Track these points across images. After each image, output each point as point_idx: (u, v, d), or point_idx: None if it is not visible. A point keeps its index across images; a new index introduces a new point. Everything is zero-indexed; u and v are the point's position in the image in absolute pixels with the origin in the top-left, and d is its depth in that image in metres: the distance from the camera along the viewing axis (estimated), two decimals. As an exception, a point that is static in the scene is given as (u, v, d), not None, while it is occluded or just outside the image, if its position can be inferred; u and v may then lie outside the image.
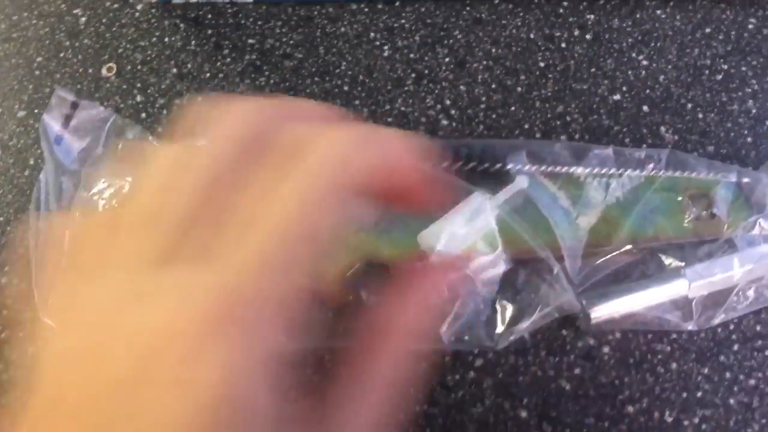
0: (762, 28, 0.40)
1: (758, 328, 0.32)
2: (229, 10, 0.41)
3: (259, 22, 0.40)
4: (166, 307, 0.15)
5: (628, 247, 0.31)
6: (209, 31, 0.40)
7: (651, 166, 0.32)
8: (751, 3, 0.41)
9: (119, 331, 0.15)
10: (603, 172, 0.32)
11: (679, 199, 0.32)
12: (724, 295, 0.31)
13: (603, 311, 0.30)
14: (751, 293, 0.31)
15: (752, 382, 0.31)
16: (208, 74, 0.38)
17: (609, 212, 0.32)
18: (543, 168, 0.33)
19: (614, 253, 0.31)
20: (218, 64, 0.39)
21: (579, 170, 0.32)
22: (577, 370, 0.31)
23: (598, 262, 0.31)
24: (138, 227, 0.17)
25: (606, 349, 0.31)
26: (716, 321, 0.31)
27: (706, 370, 0.31)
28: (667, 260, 0.32)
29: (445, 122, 0.37)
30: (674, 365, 0.31)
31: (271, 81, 0.38)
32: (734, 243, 0.31)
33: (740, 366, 0.31)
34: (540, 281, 0.31)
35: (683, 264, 0.31)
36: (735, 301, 0.31)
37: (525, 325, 0.30)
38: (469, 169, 0.33)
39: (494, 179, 0.33)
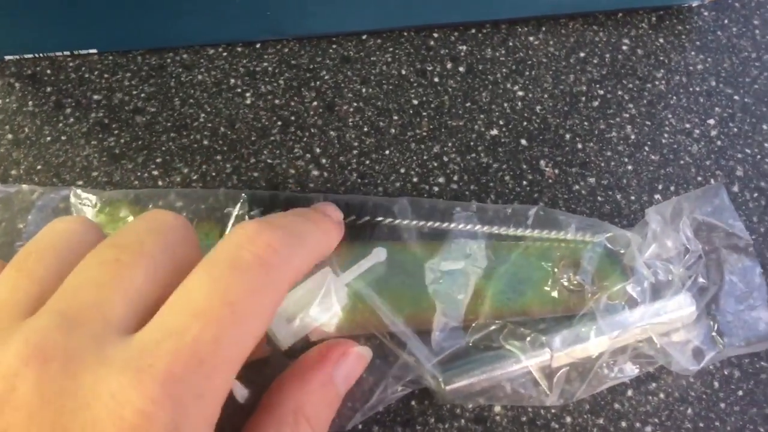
0: (636, 48, 0.39)
1: (651, 369, 0.30)
2: (71, 64, 0.37)
3: (106, 75, 0.36)
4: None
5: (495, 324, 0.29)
6: (48, 89, 0.36)
7: (517, 224, 0.30)
8: (624, 23, 0.40)
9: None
10: (467, 229, 0.30)
11: (549, 266, 0.30)
12: (588, 367, 0.29)
13: (460, 384, 0.28)
14: (614, 365, 0.29)
15: (648, 429, 0.29)
16: (48, 138, 0.35)
17: (474, 280, 0.30)
18: (414, 224, 0.30)
19: (475, 324, 0.29)
20: (60, 125, 0.35)
21: (442, 228, 0.30)
22: (469, 436, 0.29)
23: (458, 330, 0.29)
24: None
25: (497, 408, 0.29)
26: (579, 395, 0.29)
27: (601, 421, 0.29)
28: (528, 329, 0.29)
29: (315, 173, 0.34)
30: (568, 419, 0.29)
31: (122, 140, 0.35)
32: (597, 311, 0.29)
33: (635, 413, 0.30)
34: (393, 354, 0.29)
35: (544, 334, 0.29)
36: (599, 374, 0.29)
37: (372, 402, 0.28)
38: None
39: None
